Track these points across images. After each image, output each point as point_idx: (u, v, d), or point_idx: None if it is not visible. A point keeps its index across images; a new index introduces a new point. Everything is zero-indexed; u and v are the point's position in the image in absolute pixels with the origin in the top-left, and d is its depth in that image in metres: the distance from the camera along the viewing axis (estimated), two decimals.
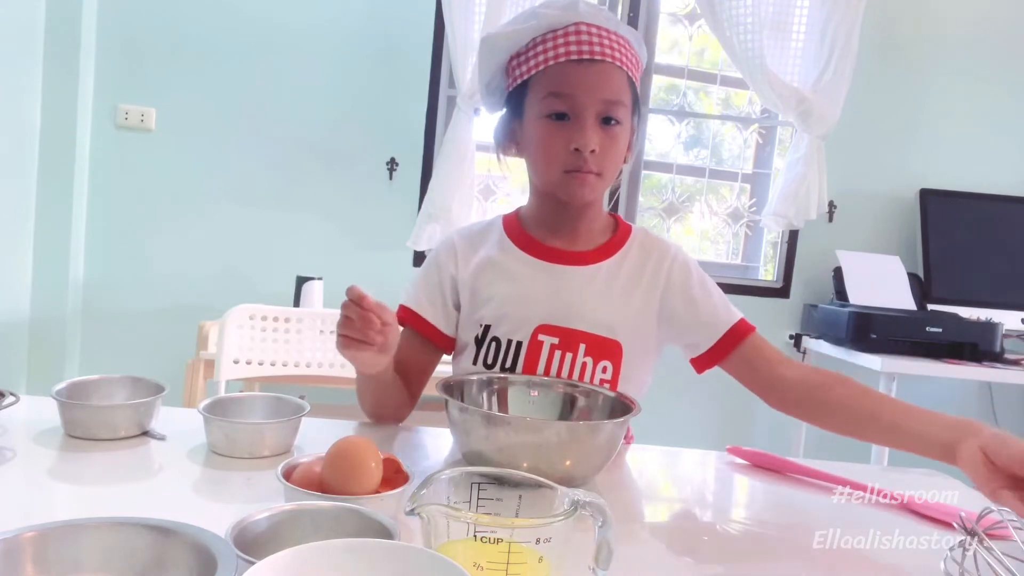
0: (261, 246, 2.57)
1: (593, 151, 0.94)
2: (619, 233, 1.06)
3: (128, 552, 0.48)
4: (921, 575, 0.69)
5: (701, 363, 1.05)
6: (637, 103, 1.02)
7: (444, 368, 1.16)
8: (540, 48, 0.96)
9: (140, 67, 2.51)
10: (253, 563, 0.41)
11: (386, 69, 2.55)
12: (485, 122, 2.54)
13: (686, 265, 1.05)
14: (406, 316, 1.07)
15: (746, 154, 2.84)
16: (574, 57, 0.94)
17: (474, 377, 0.93)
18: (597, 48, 0.94)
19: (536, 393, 0.94)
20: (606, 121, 0.95)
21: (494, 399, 0.94)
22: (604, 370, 0.99)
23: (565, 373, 0.98)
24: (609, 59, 0.95)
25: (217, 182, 2.55)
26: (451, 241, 1.08)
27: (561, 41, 0.95)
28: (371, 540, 0.47)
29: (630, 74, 0.98)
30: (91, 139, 2.49)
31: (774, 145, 2.80)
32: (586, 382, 0.98)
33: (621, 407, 0.86)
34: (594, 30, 0.95)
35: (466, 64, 2.40)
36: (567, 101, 0.95)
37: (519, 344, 0.99)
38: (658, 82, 2.76)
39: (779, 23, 2.53)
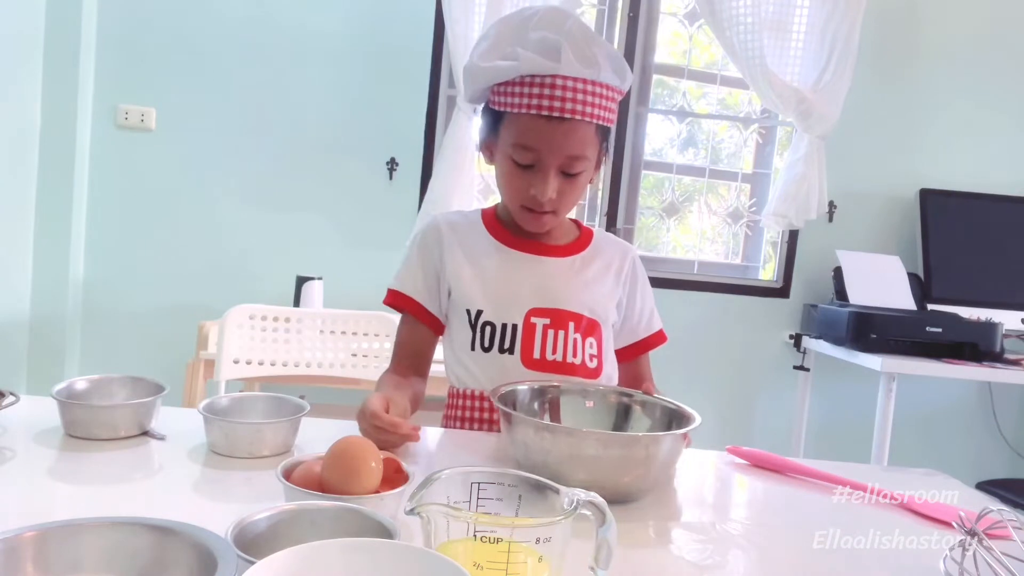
0: (261, 246, 2.57)
1: (551, 199, 1.02)
2: (583, 234, 1.17)
3: (128, 552, 0.48)
4: (921, 575, 0.69)
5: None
6: (607, 137, 1.06)
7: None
8: (517, 90, 1.00)
9: (140, 67, 2.50)
10: (253, 563, 0.41)
11: (386, 69, 2.55)
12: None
13: (637, 265, 1.18)
14: (399, 301, 1.13)
15: (745, 154, 2.84)
16: (544, 112, 0.98)
17: (525, 386, 0.94)
18: (569, 105, 0.98)
19: (592, 403, 0.96)
20: (567, 174, 1.02)
21: (547, 408, 0.95)
22: (591, 346, 1.09)
23: (560, 349, 1.06)
24: (579, 116, 0.98)
25: (217, 182, 2.55)
26: (437, 227, 1.14)
27: (536, 91, 0.98)
28: (371, 540, 0.47)
29: (601, 122, 1.01)
30: (91, 139, 2.49)
31: (774, 145, 2.80)
32: (580, 357, 1.07)
33: (678, 417, 0.88)
34: (570, 84, 0.97)
35: None
36: (531, 154, 1.01)
37: (515, 327, 1.06)
38: (658, 82, 2.76)
39: (779, 23, 2.53)
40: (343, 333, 1.65)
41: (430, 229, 1.14)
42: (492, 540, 0.49)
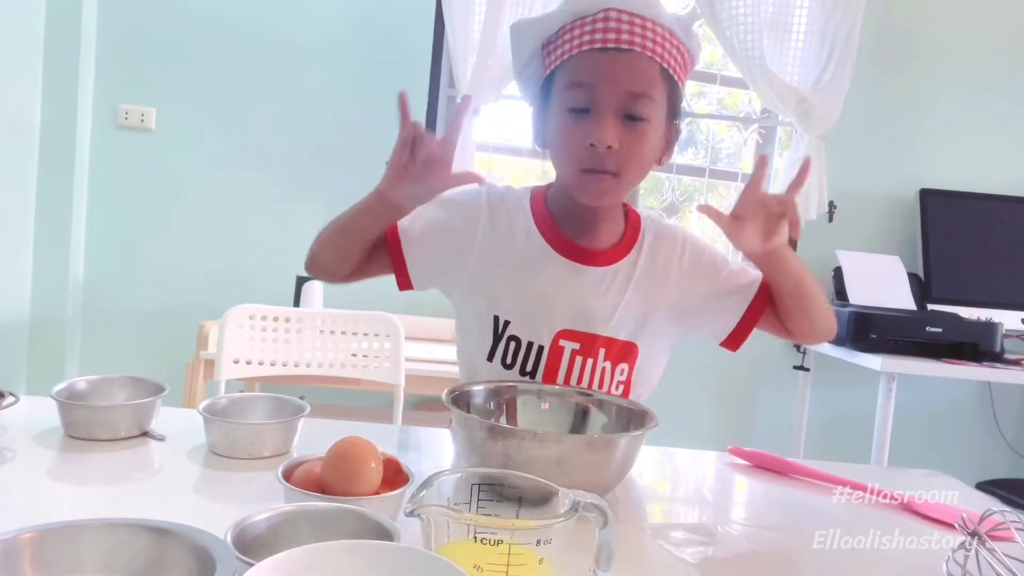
0: (261, 246, 2.57)
1: (610, 147, 0.87)
2: (631, 225, 1.03)
3: (127, 553, 0.48)
4: (921, 575, 0.69)
5: (736, 337, 1.02)
6: (677, 101, 0.94)
7: (450, 369, 1.16)
8: (567, 36, 0.90)
9: (140, 67, 2.50)
10: (252, 564, 0.40)
11: (386, 69, 2.54)
12: (485, 122, 2.54)
13: (695, 250, 1.03)
14: (392, 240, 0.98)
15: (745, 154, 2.83)
16: (598, 45, 0.87)
17: (480, 387, 0.89)
18: (625, 36, 0.87)
19: (548, 405, 0.90)
20: (630, 118, 0.88)
21: (503, 409, 0.89)
22: (621, 372, 0.99)
23: (586, 379, 0.97)
24: (638, 48, 0.87)
25: (217, 182, 2.55)
26: (480, 198, 1.00)
27: (588, 28, 0.88)
28: (371, 541, 0.47)
29: (666, 66, 0.89)
30: (91, 139, 2.49)
31: (774, 145, 2.80)
32: (605, 386, 0.97)
33: (637, 417, 0.83)
34: (625, 16, 0.88)
35: (466, 64, 2.40)
36: (587, 93, 0.88)
37: (541, 348, 0.97)
38: None
39: (779, 23, 2.52)
40: (343, 333, 1.64)
41: (472, 194, 1.00)
42: (492, 542, 0.49)
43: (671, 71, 0.90)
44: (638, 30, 0.88)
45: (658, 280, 1.00)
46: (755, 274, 1.02)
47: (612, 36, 0.87)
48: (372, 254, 0.98)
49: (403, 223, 0.98)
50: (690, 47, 0.93)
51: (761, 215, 0.87)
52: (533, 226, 0.99)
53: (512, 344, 0.97)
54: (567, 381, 0.97)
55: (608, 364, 0.97)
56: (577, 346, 0.96)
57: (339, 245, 0.96)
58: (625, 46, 0.87)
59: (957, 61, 2.70)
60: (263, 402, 0.90)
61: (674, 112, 0.95)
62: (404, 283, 1.00)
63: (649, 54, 0.88)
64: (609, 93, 0.88)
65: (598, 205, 0.96)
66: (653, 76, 0.89)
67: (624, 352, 0.98)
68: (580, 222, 0.99)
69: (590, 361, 0.97)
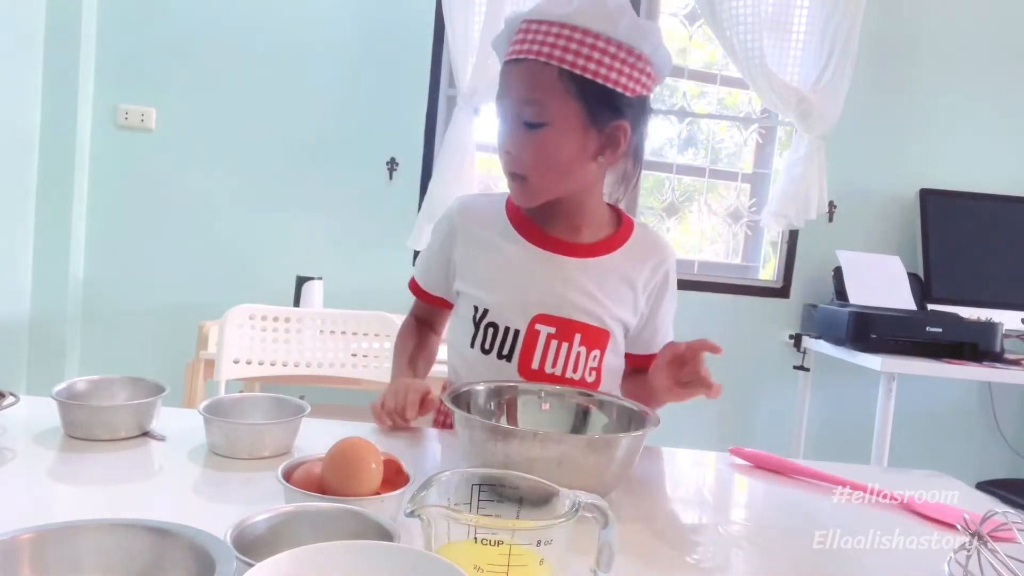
0: (261, 246, 2.57)
1: (509, 152, 0.97)
2: (622, 228, 1.08)
3: (126, 554, 0.48)
4: (921, 575, 0.69)
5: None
6: (603, 98, 0.93)
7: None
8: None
9: (140, 67, 2.50)
10: (252, 565, 0.40)
11: (386, 69, 2.54)
12: (485, 122, 2.54)
13: (669, 278, 1.10)
14: (414, 288, 1.16)
15: (745, 154, 2.84)
16: (505, 59, 0.96)
17: (481, 387, 0.89)
18: (526, 47, 0.93)
19: (548, 406, 0.91)
20: (527, 124, 0.95)
21: (503, 410, 0.90)
22: (594, 358, 1.03)
23: (561, 362, 1.01)
24: (532, 55, 0.92)
25: (217, 182, 2.55)
26: (451, 215, 1.10)
27: (511, 42, 0.97)
28: (371, 542, 0.47)
29: (567, 66, 0.91)
30: (91, 139, 2.49)
31: (774, 145, 2.80)
32: (580, 371, 1.02)
33: (638, 418, 0.83)
34: (534, 26, 0.93)
35: (466, 64, 2.40)
36: (499, 104, 0.98)
37: (516, 332, 1.01)
38: None
39: (779, 23, 2.52)
40: (343, 333, 1.65)
41: (445, 215, 1.11)
42: (493, 543, 0.49)
43: (579, 71, 0.91)
44: (539, 37, 0.92)
45: (638, 286, 1.06)
46: (663, 340, 1.10)
47: (516, 48, 0.94)
48: (432, 314, 1.19)
49: (417, 274, 1.16)
50: (618, 38, 0.91)
51: (693, 370, 0.93)
52: (508, 224, 1.05)
53: (490, 330, 1.02)
54: (542, 364, 1.01)
55: (583, 349, 1.02)
56: (553, 330, 1.01)
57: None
58: (521, 56, 0.93)
59: (957, 61, 2.70)
60: (263, 402, 0.90)
61: (612, 110, 0.94)
62: (442, 303, 1.15)
63: (543, 59, 0.92)
64: (507, 103, 0.96)
65: (521, 205, 1.03)
66: (545, 81, 0.92)
67: (598, 338, 1.03)
68: (551, 217, 1.04)
69: (565, 345, 1.01)
